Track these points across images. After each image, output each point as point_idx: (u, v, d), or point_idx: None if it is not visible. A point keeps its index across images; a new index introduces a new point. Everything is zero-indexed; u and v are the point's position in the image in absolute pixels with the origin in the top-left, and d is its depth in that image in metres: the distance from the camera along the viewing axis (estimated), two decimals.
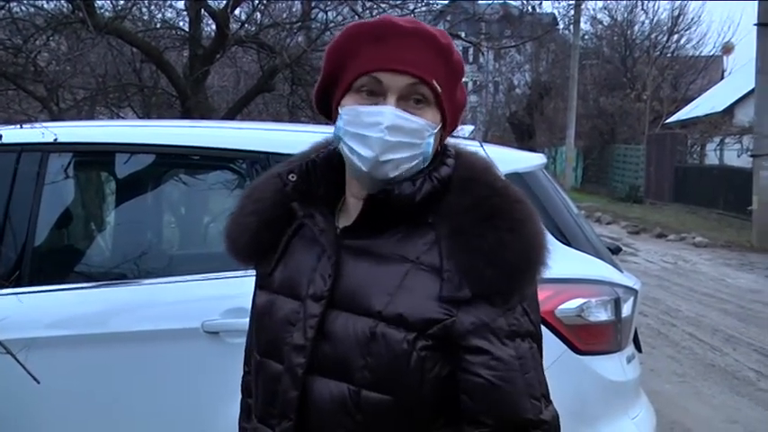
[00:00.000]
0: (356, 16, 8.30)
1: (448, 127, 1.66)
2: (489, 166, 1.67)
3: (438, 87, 1.59)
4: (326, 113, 1.72)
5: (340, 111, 1.62)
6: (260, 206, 1.73)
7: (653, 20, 35.68)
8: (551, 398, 1.62)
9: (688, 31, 36.81)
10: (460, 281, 1.55)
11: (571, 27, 32.94)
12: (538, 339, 1.62)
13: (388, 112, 1.56)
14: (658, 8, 45.38)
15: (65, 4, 8.02)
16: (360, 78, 1.59)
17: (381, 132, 1.55)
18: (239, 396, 1.95)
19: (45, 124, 3.73)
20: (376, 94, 1.59)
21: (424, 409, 1.59)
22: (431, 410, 1.60)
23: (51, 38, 8.39)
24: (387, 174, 1.57)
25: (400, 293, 1.56)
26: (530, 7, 13.43)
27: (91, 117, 9.46)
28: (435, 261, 1.58)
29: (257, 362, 1.70)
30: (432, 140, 1.60)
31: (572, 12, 30.40)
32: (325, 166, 1.69)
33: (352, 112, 1.59)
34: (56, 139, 3.50)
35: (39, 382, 3.01)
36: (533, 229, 1.59)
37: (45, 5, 8.20)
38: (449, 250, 1.57)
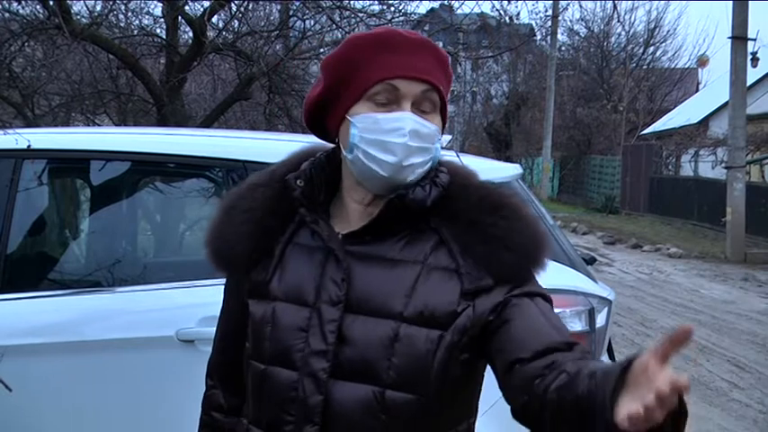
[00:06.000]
0: (333, 25, 8.31)
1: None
2: (475, 172, 1.75)
3: (445, 95, 1.67)
4: (316, 127, 1.74)
5: (351, 119, 1.64)
6: (253, 215, 1.73)
7: (629, 32, 36.03)
8: None
9: (664, 44, 37.22)
10: (479, 272, 1.62)
11: (548, 38, 33.17)
12: (551, 303, 1.68)
13: (408, 118, 1.61)
14: (635, 20, 45.59)
15: (40, 10, 7.96)
16: (375, 86, 1.62)
17: (404, 137, 1.60)
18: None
19: (19, 131, 3.71)
20: (389, 102, 1.63)
21: (447, 405, 1.63)
22: (452, 407, 1.64)
23: (27, 44, 8.32)
24: (406, 178, 1.62)
25: (417, 293, 1.61)
26: (507, 18, 13.47)
27: (66, 123, 9.40)
28: (445, 261, 1.64)
29: (260, 371, 1.68)
30: (439, 145, 1.67)
31: (549, 23, 30.60)
32: (326, 173, 1.72)
33: (369, 119, 1.62)
34: (29, 146, 3.48)
35: (11, 391, 2.99)
36: (533, 216, 1.70)
37: (20, 11, 8.12)
38: (462, 246, 1.64)
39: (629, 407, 1.24)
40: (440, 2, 11.30)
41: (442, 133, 1.70)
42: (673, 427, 1.28)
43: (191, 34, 8.51)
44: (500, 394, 1.61)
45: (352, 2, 8.82)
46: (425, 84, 1.63)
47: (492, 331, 1.60)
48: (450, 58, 1.73)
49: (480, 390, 1.75)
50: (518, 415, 1.57)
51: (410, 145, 1.60)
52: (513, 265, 1.62)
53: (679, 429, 1.29)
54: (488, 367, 1.68)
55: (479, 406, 1.77)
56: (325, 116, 1.71)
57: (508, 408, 1.60)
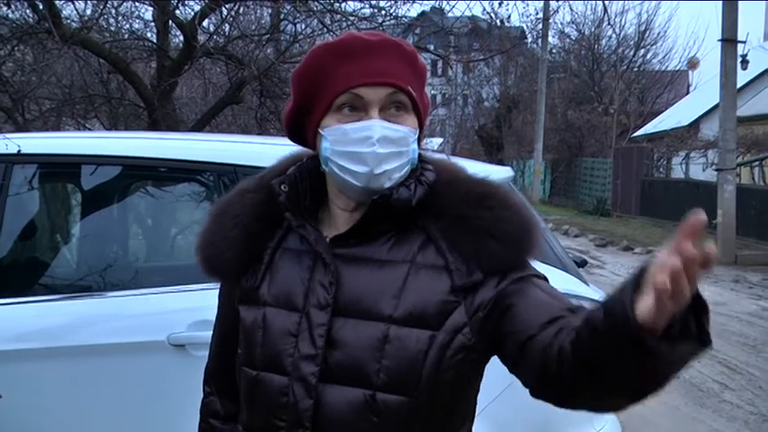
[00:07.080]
0: (325, 29, 8.32)
1: (423, 130, 1.70)
2: (463, 168, 1.73)
3: (413, 93, 1.64)
4: (298, 139, 1.74)
5: (322, 132, 1.64)
6: (241, 221, 1.73)
7: (620, 34, 36.04)
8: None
9: (654, 46, 37.26)
10: (469, 266, 1.60)
11: (539, 41, 33.20)
12: (547, 280, 1.67)
13: (377, 126, 1.59)
14: (625, 23, 45.80)
15: (30, 14, 7.95)
16: (339, 97, 1.61)
17: (373, 146, 1.58)
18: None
19: (8, 135, 3.70)
20: (357, 110, 1.61)
21: (441, 408, 1.62)
22: (447, 409, 1.63)
23: (17, 48, 8.31)
24: (382, 185, 1.61)
25: (406, 294, 1.60)
26: (498, 21, 13.51)
27: (57, 128, 9.39)
28: (433, 258, 1.62)
29: (252, 377, 1.68)
30: (415, 145, 1.65)
31: (540, 26, 30.62)
32: (310, 179, 1.71)
33: (338, 131, 1.61)
34: (19, 151, 3.47)
35: (1, 396, 2.98)
36: (522, 204, 1.67)
37: (10, 15, 8.11)
38: (450, 242, 1.62)
39: (644, 302, 1.26)
40: (431, 3, 11.29)
41: (421, 132, 1.68)
42: (697, 327, 1.37)
43: (181, 38, 8.52)
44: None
45: (343, 5, 8.84)
46: (389, 87, 1.61)
47: (496, 318, 1.57)
48: (417, 51, 1.69)
49: (477, 394, 1.73)
50: (536, 391, 1.54)
51: (380, 152, 1.58)
52: (502, 255, 1.60)
53: (704, 327, 1.38)
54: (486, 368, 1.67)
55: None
56: (302, 128, 1.71)
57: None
